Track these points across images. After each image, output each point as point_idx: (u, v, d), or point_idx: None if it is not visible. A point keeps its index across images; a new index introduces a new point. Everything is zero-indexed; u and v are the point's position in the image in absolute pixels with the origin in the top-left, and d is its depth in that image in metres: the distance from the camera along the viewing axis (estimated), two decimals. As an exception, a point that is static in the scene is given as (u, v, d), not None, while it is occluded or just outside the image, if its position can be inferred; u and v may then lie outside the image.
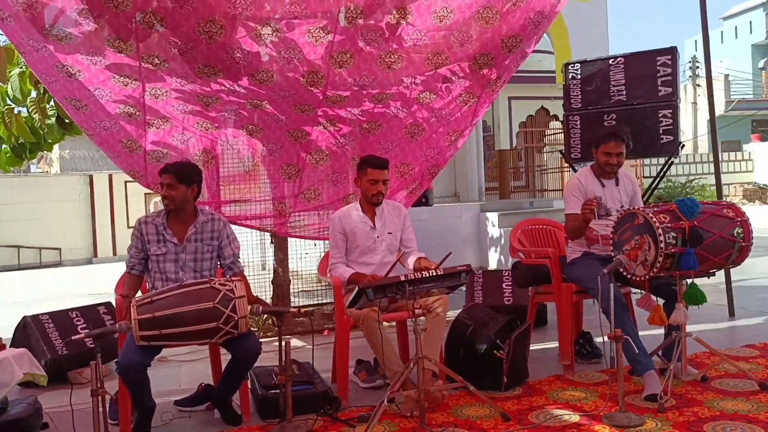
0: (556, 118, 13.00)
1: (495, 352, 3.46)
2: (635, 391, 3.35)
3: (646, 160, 17.75)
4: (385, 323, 4.54)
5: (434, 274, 3.16)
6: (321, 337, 5.26)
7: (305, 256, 6.30)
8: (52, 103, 5.56)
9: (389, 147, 4.89)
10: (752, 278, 7.21)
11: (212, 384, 3.53)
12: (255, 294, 6.10)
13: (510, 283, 5.12)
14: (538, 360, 4.11)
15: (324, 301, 6.32)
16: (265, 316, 5.35)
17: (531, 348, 4.24)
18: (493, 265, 7.97)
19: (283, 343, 3.02)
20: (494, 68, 4.56)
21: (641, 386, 3.34)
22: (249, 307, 3.01)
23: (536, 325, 4.94)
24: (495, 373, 3.46)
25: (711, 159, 23.98)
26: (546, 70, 12.01)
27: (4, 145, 6.26)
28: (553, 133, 13.55)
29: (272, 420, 3.17)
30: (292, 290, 6.17)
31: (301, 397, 3.18)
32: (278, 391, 3.12)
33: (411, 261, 3.77)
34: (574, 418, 3.04)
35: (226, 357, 3.27)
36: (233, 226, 3.66)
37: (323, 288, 6.75)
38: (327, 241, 5.84)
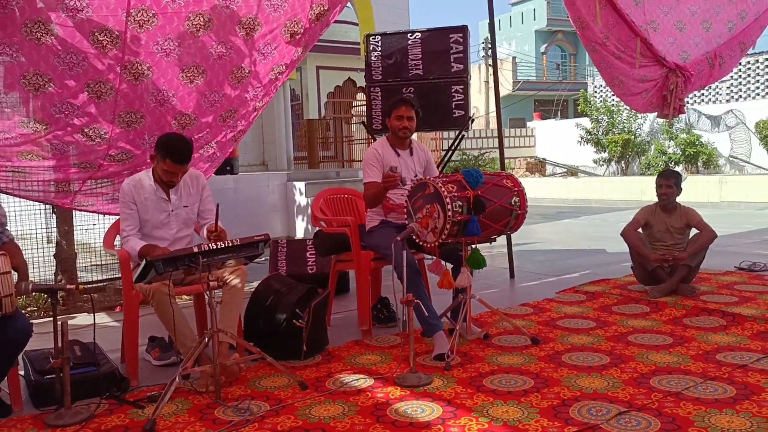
0: (362, 89, 13.27)
1: (294, 321, 3.46)
2: (426, 352, 3.55)
3: (444, 134, 18.93)
4: (184, 296, 4.37)
5: (229, 244, 3.05)
6: (114, 314, 4.91)
7: (93, 227, 5.81)
8: None
9: (200, 137, 4.54)
10: (531, 243, 8.02)
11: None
12: (36, 270, 5.54)
13: (313, 251, 5.16)
14: (340, 327, 4.20)
15: (118, 276, 5.89)
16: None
17: (333, 315, 4.34)
18: (300, 234, 8.00)
19: (59, 324, 2.74)
20: (302, 37, 4.47)
21: (432, 347, 3.55)
22: (21, 285, 2.68)
23: (339, 292, 5.07)
24: (295, 343, 3.46)
25: (497, 134, 26.10)
26: (352, 41, 12.18)
27: None
28: (360, 105, 13.84)
29: (48, 408, 2.87)
30: (82, 264, 5.66)
31: (82, 381, 2.93)
32: (54, 375, 2.84)
33: (205, 230, 3.61)
34: (369, 381, 3.15)
35: None
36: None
37: (116, 262, 6.27)
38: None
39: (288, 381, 3.15)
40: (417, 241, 3.57)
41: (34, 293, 3.04)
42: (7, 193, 4.35)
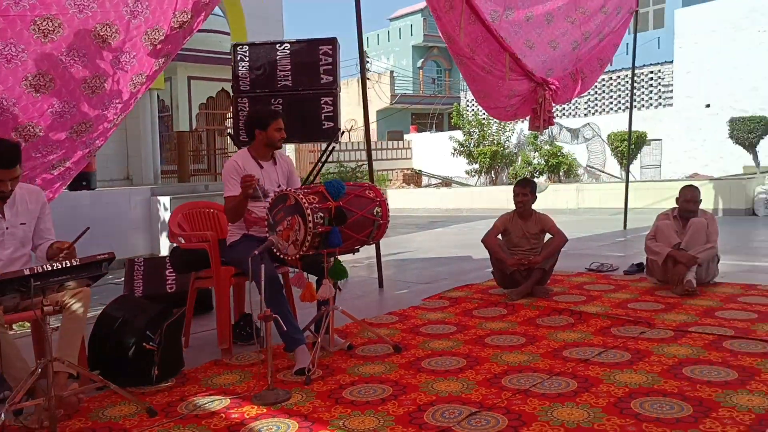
0: (235, 100, 12.98)
1: (144, 344, 3.27)
2: (289, 367, 3.48)
3: (322, 146, 18.94)
4: (26, 323, 4.00)
5: (68, 265, 2.83)
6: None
7: None
8: None
9: (48, 150, 4.18)
10: (404, 252, 8.16)
11: None
12: None
13: (172, 269, 4.93)
14: (198, 347, 4.03)
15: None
16: None
17: (192, 335, 4.16)
18: (165, 251, 7.64)
19: None
20: (164, 45, 4.27)
21: (295, 362, 3.48)
22: None
23: (201, 311, 4.86)
24: (145, 366, 3.26)
25: (379, 146, 26.58)
26: (225, 51, 11.89)
27: None
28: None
29: None
30: None
31: None
32: None
33: (42, 250, 3.33)
34: (225, 402, 3.03)
35: None
36: None
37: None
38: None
39: (135, 408, 2.96)
40: (278, 254, 3.50)
41: None
42: None
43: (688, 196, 5.01)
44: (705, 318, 4.03)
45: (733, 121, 15.07)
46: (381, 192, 3.82)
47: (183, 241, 4.19)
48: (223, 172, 4.01)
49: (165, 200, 7.83)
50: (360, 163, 20.89)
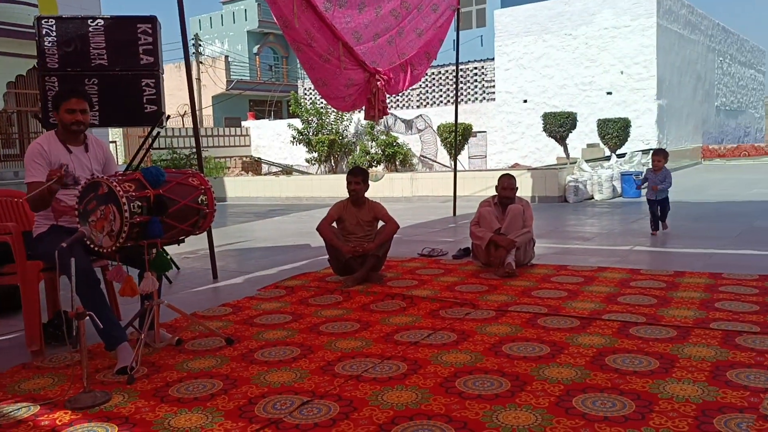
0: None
1: (-69, 351, 2.86)
2: (110, 367, 3.23)
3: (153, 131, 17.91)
4: None
5: None
6: None
7: None
8: None
9: None
10: (240, 241, 7.95)
11: None
12: None
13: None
14: (5, 351, 3.63)
15: None
16: None
17: (-5, 338, 3.73)
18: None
19: None
20: None
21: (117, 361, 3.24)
22: None
23: (7, 310, 4.39)
24: (-67, 377, 2.86)
25: (216, 133, 25.68)
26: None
27: None
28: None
29: None
30: None
31: None
32: None
33: None
34: (34, 409, 2.74)
35: None
36: None
37: None
38: None
39: None
40: (91, 246, 3.22)
41: None
42: None
43: (505, 184, 5.39)
44: (522, 297, 4.36)
45: (545, 116, 16.50)
46: (206, 179, 3.66)
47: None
48: (26, 155, 3.62)
49: (-37, 188, 6.92)
50: (195, 150, 20.07)
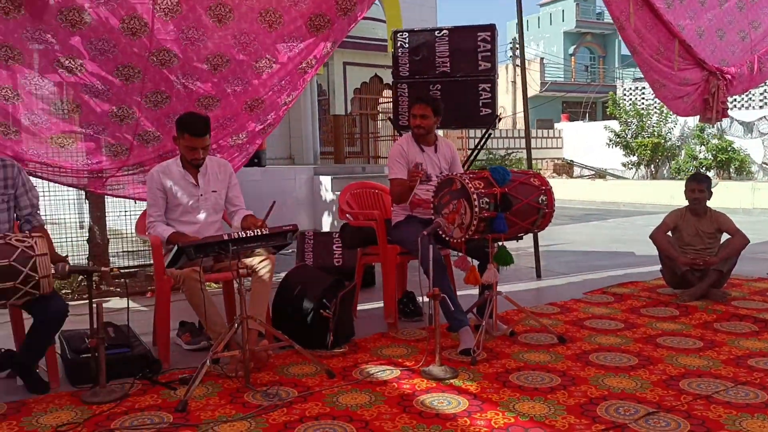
0: (388, 86, 13.29)
1: (321, 311, 3.49)
2: (452, 346, 3.56)
3: (471, 133, 18.86)
4: (212, 284, 4.42)
5: (259, 233, 3.09)
6: (145, 299, 4.99)
7: (126, 214, 5.91)
8: None
9: (226, 123, 4.64)
10: (558, 244, 7.98)
11: (13, 350, 3.20)
12: (69, 255, 5.66)
13: (340, 245, 5.19)
14: (365, 319, 4.23)
15: (148, 262, 5.99)
16: (81, 277, 4.95)
17: (358, 308, 4.37)
18: (326, 228, 8.05)
19: (95, 305, 2.81)
20: (330, 31, 4.51)
21: (457, 341, 3.56)
22: (52, 267, 2.75)
23: (364, 285, 5.08)
24: (321, 332, 3.49)
25: (524, 135, 25.95)
26: (379, 38, 12.21)
27: None
28: (386, 101, 13.85)
29: (84, 386, 2.95)
30: (114, 250, 5.76)
31: (116, 361, 2.99)
32: (90, 355, 2.90)
33: (237, 219, 3.66)
34: (395, 372, 3.17)
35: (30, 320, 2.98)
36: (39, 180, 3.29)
37: (147, 249, 6.38)
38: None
39: (315, 369, 3.19)
40: (443, 236, 3.58)
41: (68, 277, 3.09)
42: (42, 178, 4.46)
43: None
44: None
45: None
46: (546, 181, 3.77)
47: (351, 219, 4.40)
48: (389, 155, 4.17)
49: (326, 180, 8.22)
50: (509, 151, 20.54)
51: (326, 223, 8.05)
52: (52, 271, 2.72)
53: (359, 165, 11.18)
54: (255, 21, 4.32)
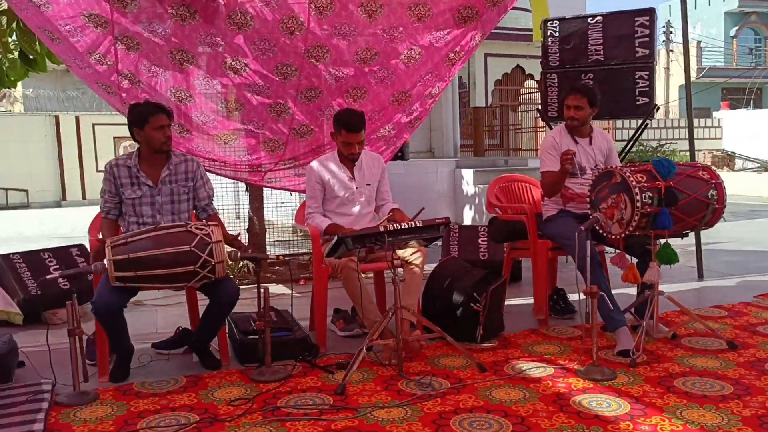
0: (531, 77, 12.95)
1: (471, 304, 3.49)
2: (607, 347, 3.42)
3: (618, 123, 17.92)
4: (362, 274, 4.58)
5: (413, 225, 3.15)
6: (296, 286, 5.26)
7: (280, 206, 6.26)
8: (14, 37, 5.31)
9: (374, 116, 4.77)
10: (718, 242, 7.38)
11: (189, 328, 3.51)
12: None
13: (486, 239, 5.15)
14: (513, 314, 4.16)
15: (299, 252, 6.31)
16: (241, 263, 5.31)
17: (506, 302, 4.31)
18: (467, 221, 8.01)
19: (262, 289, 3.01)
20: (478, 22, 4.48)
21: (613, 342, 3.41)
22: (227, 252, 2.98)
23: (511, 280, 5.00)
24: (471, 326, 3.50)
25: (682, 125, 24.30)
26: (522, 27, 11.91)
27: (-34, 80, 5.99)
28: (528, 93, 13.53)
29: (251, 365, 3.18)
30: (266, 240, 6.12)
31: (280, 343, 3.19)
32: (257, 336, 3.12)
33: (386, 212, 3.76)
34: (549, 370, 3.10)
35: (202, 302, 3.25)
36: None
37: (298, 238, 6.72)
38: (302, 193, 5.77)
39: (466, 362, 3.19)
40: (600, 232, 3.43)
41: (240, 262, 3.34)
42: (209, 172, 4.85)
43: None
44: None
45: None
46: (717, 174, 3.49)
47: (500, 212, 4.35)
48: (541, 147, 4.06)
49: (468, 173, 8.18)
50: (662, 143, 19.28)
51: (467, 217, 8.01)
52: (227, 257, 2.94)
53: (501, 158, 11.02)
54: (404, 15, 4.40)
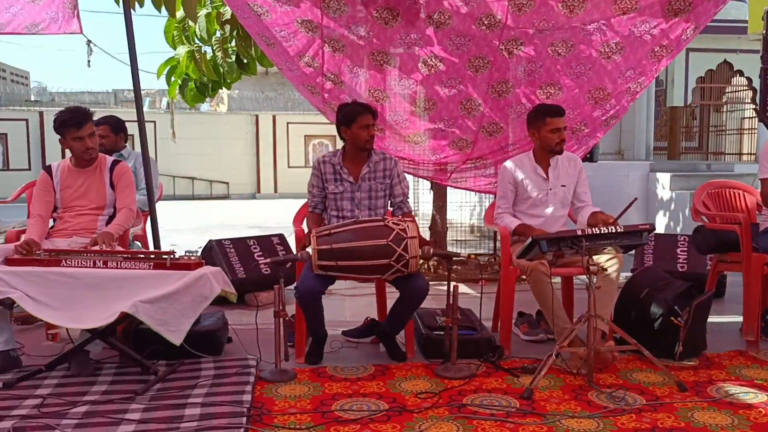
0: (740, 73, 11.73)
1: (672, 318, 3.24)
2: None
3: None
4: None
5: (613, 230, 3.00)
6: (476, 286, 5.26)
7: (460, 206, 6.30)
8: (233, 43, 5.90)
9: (567, 111, 4.63)
10: None
11: (377, 319, 3.66)
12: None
13: (685, 249, 4.77)
14: (715, 333, 3.79)
15: (477, 252, 6.31)
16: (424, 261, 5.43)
17: (708, 319, 3.96)
18: (660, 229, 7.47)
19: (452, 286, 3.05)
20: (692, 14, 4.14)
21: (842, 374, 2.99)
22: (420, 249, 3.06)
23: (714, 295, 4.59)
24: (669, 341, 3.25)
25: None
26: (733, 19, 10.80)
27: (190, 82, 6.76)
28: (735, 91, 12.28)
29: (435, 360, 3.23)
30: (447, 238, 6.20)
31: (465, 341, 3.21)
32: (442, 332, 3.17)
33: (584, 215, 3.61)
34: (761, 397, 2.79)
35: (390, 295, 3.37)
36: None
37: (476, 239, 6.73)
38: (483, 194, 5.74)
39: (663, 379, 2.98)
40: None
41: (431, 259, 3.40)
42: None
43: None
44: None
45: None
46: None
47: (707, 221, 4.00)
48: (762, 151, 3.66)
49: (664, 177, 7.62)
50: None
51: (661, 224, 7.45)
52: (419, 253, 3.03)
53: (701, 162, 10.12)
54: (608, 9, 4.19)
